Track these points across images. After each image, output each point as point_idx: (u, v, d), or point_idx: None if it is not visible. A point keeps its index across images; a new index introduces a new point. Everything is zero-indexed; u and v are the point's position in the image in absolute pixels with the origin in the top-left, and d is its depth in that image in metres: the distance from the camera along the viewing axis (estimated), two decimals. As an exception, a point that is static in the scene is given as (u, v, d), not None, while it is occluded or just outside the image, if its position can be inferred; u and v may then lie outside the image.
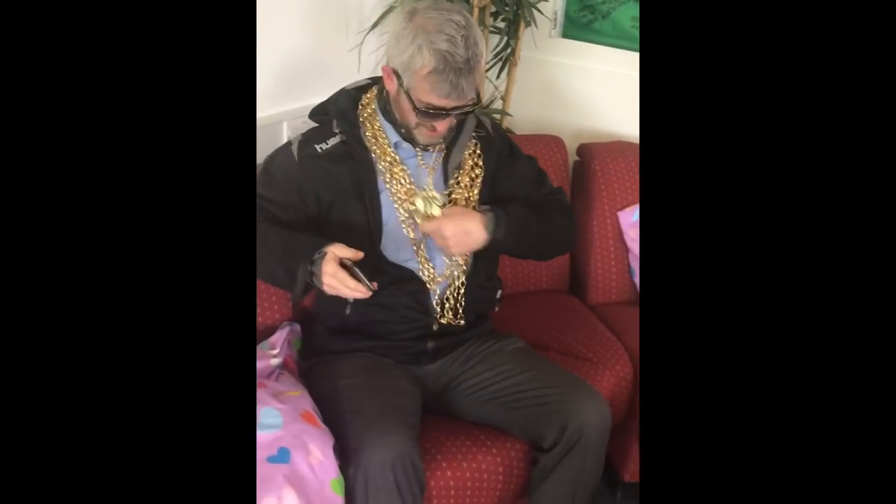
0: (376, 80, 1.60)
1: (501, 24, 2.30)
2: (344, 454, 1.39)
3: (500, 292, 1.71)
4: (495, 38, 2.33)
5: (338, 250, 1.40)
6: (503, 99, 2.39)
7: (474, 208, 1.56)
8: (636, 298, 2.22)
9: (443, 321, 1.59)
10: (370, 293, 1.39)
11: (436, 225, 1.46)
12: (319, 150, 1.55)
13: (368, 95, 1.59)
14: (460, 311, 1.60)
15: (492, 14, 2.25)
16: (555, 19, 2.45)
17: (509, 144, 1.71)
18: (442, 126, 1.48)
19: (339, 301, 1.50)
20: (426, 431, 1.54)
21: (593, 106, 2.48)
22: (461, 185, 1.59)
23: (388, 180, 1.55)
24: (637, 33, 2.37)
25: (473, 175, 1.60)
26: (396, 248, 1.56)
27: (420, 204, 1.50)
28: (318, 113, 1.62)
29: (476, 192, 1.60)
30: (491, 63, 2.33)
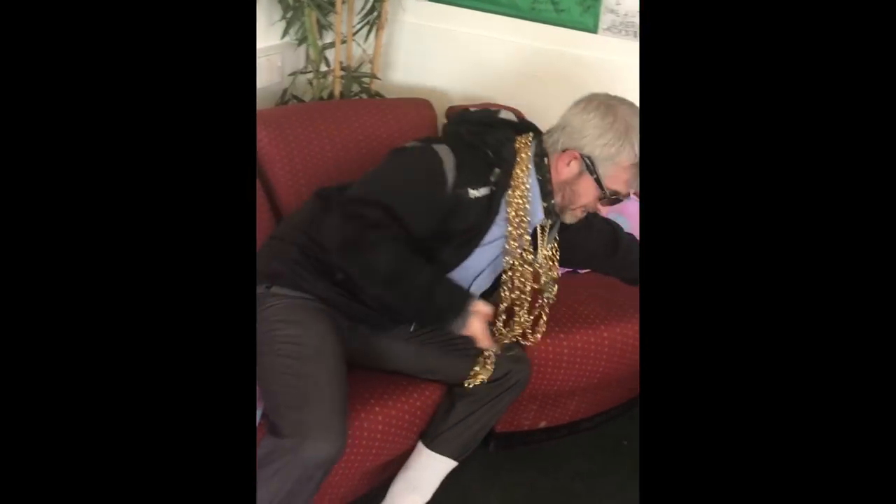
0: (530, 128, 1.65)
1: (368, -13, 2.30)
2: (276, 417, 1.37)
3: None
4: (361, 2, 2.33)
5: (482, 311, 1.46)
6: (371, 63, 2.40)
7: None
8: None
9: None
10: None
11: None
12: (472, 197, 1.50)
13: (523, 140, 1.59)
14: None
15: (357, -23, 2.25)
16: (421, -17, 2.47)
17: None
18: (605, 209, 1.58)
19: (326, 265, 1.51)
20: (356, 373, 1.57)
21: (460, 69, 2.52)
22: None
23: (512, 237, 1.58)
24: (501, -3, 2.43)
25: (555, 249, 1.73)
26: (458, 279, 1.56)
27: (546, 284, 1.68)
28: (476, 134, 1.56)
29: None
30: (358, 26, 2.33)
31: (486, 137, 1.55)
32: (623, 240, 1.81)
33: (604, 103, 1.52)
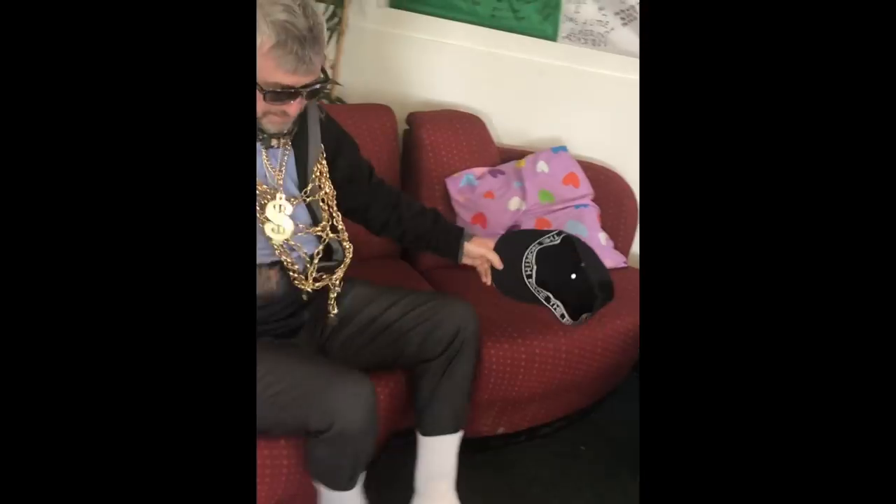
0: None
1: (328, -7, 2.30)
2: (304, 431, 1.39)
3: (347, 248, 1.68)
4: (321, 7, 2.32)
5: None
6: (332, 68, 2.40)
7: None
8: (465, 262, 2.30)
9: (308, 289, 1.56)
10: None
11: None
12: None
13: None
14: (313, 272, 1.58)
15: (317, -18, 2.25)
16: (382, -11, 2.48)
17: (339, 128, 1.69)
18: (294, 108, 1.39)
19: None
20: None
21: (421, 75, 2.53)
22: (319, 180, 1.56)
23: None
24: (461, 3, 2.44)
25: (322, 166, 1.57)
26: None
27: (273, 214, 1.47)
28: None
29: (329, 184, 1.58)
30: (318, 32, 2.33)
31: None
32: (380, 184, 1.75)
33: None
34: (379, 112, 2.30)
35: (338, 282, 1.60)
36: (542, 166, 2.27)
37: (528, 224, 2.22)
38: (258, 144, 1.46)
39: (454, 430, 1.67)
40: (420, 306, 1.62)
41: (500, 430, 2.07)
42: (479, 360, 1.76)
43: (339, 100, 2.42)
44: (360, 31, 2.43)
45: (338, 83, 2.40)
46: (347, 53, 2.40)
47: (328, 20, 2.32)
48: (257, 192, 1.46)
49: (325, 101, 2.38)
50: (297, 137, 1.53)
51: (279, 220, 1.48)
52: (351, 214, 1.71)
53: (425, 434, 1.67)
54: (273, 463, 1.48)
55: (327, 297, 1.61)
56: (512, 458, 2.09)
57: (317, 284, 1.56)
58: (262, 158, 1.49)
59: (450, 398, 1.64)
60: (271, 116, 1.41)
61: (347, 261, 1.62)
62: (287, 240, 1.50)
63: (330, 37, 2.35)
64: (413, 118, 2.34)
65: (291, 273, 1.52)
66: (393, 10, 2.50)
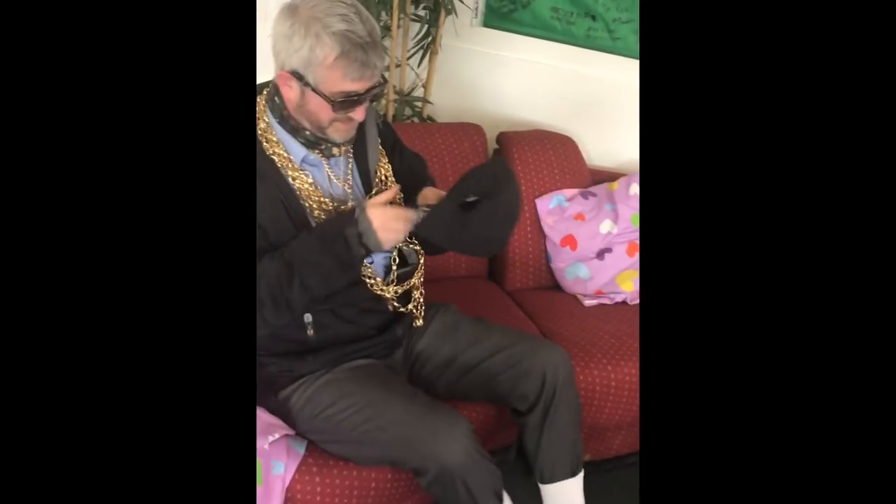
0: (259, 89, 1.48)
1: (422, 13, 2.31)
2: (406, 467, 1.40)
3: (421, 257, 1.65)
4: (416, 27, 2.34)
5: (374, 201, 1.37)
6: (424, 87, 2.41)
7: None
8: (552, 284, 2.27)
9: (395, 302, 1.56)
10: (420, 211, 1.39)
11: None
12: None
13: (259, 107, 1.44)
14: (395, 280, 1.56)
15: (413, 2, 2.27)
16: (476, 8, 2.48)
17: (395, 133, 1.67)
18: (360, 113, 1.39)
19: (297, 319, 1.47)
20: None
21: (512, 95, 2.51)
22: (384, 183, 1.54)
23: (308, 203, 1.44)
24: (556, 23, 2.42)
25: (386, 170, 1.56)
26: None
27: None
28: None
29: (398, 189, 1.55)
30: (412, 51, 2.35)
31: None
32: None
33: (286, 8, 1.34)
34: (469, 131, 2.29)
35: (419, 287, 1.59)
36: (635, 189, 2.22)
37: (621, 249, 2.18)
38: (318, 157, 1.45)
39: (572, 475, 1.63)
40: (508, 348, 1.58)
41: (588, 458, 2.02)
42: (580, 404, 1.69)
43: (430, 118, 2.43)
44: (452, 50, 2.44)
45: (429, 101, 2.41)
46: (439, 72, 2.41)
47: (421, 39, 2.34)
48: (324, 206, 1.44)
49: (415, 120, 2.39)
50: (357, 144, 1.52)
51: None
52: None
53: (542, 482, 1.64)
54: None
55: (413, 310, 1.60)
56: (597, 487, 2.04)
57: (398, 291, 1.55)
58: (325, 170, 1.48)
59: (557, 447, 1.60)
60: (337, 125, 1.40)
61: (422, 262, 1.60)
62: None
63: (423, 56, 2.36)
64: (503, 138, 2.33)
65: (371, 282, 1.51)
66: (486, 29, 2.50)
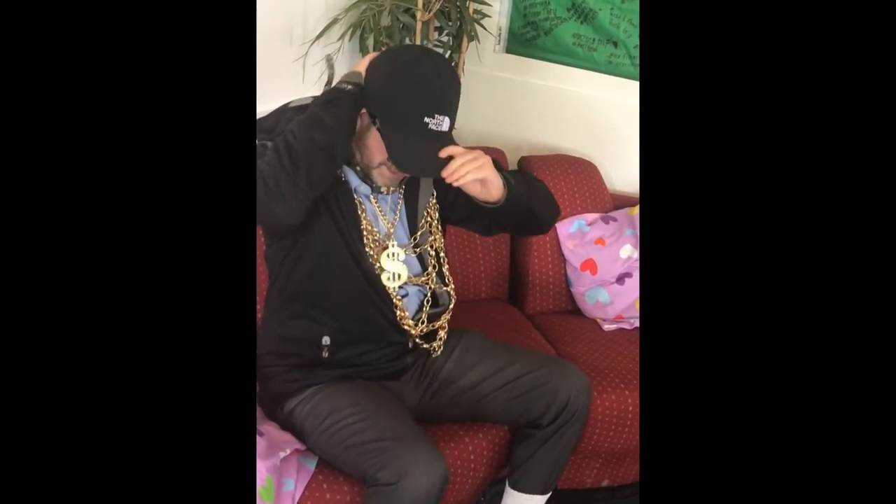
0: None
1: (445, 39, 2.34)
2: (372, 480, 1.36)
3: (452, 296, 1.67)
4: (439, 52, 2.37)
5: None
6: (447, 111, 2.43)
7: None
8: (573, 307, 2.27)
9: (417, 339, 1.58)
10: None
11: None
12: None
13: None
14: (425, 321, 1.59)
15: (436, 28, 2.30)
16: (499, 35, 2.51)
17: None
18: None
19: (315, 339, 1.49)
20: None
21: (535, 119, 2.53)
22: (430, 227, 1.57)
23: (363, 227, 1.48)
24: (578, 49, 2.44)
25: (433, 213, 1.58)
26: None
27: (387, 263, 1.48)
28: (265, 130, 1.43)
29: (439, 234, 1.58)
30: (435, 76, 2.37)
31: (280, 125, 1.43)
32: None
33: (390, 51, 1.40)
34: (491, 155, 2.29)
35: (444, 328, 1.61)
36: (655, 213, 2.22)
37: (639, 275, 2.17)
38: (367, 189, 1.48)
39: (542, 493, 1.65)
40: (534, 371, 1.59)
41: (605, 483, 2.00)
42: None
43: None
44: (474, 75, 2.46)
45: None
46: (462, 97, 2.42)
47: (445, 65, 2.36)
48: (369, 240, 1.47)
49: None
50: (409, 184, 1.54)
51: (394, 268, 1.50)
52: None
53: (513, 487, 1.65)
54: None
55: (432, 343, 1.61)
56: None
57: (423, 330, 1.57)
58: (373, 205, 1.50)
59: (546, 464, 1.62)
60: (384, 170, 1.44)
61: (451, 306, 1.63)
62: (401, 286, 1.52)
63: (446, 81, 2.39)
64: (525, 161, 2.35)
65: (400, 315, 1.52)
66: (509, 55, 2.53)
